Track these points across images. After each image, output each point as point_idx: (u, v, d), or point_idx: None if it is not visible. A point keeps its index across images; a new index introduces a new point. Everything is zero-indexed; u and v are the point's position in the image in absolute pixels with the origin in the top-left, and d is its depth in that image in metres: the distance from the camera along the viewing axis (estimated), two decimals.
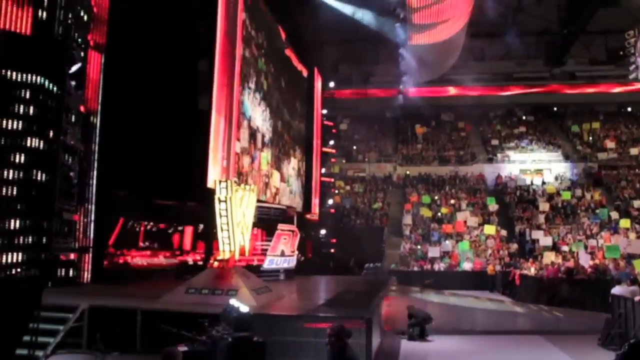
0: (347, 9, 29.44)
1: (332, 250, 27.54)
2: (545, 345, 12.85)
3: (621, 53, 30.87)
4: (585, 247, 25.44)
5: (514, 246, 27.69)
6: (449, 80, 41.31)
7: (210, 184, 15.42)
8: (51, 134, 11.72)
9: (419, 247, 28.07)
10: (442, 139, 43.44)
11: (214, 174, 16.31)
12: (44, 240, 11.31)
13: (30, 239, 10.93)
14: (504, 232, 29.07)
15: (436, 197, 34.13)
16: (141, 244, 17.15)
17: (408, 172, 38.56)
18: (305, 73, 27.67)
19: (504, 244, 28.02)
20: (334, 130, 31.65)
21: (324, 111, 30.08)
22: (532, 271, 22.16)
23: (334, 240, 27.80)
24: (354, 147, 41.63)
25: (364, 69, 38.11)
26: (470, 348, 12.52)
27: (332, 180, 32.64)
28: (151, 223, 17.68)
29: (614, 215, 29.26)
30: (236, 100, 18.21)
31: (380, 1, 26.78)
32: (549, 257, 23.57)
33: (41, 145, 11.38)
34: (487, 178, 37.47)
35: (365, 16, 29.27)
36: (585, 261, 20.93)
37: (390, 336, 13.44)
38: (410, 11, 23.64)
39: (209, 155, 16.41)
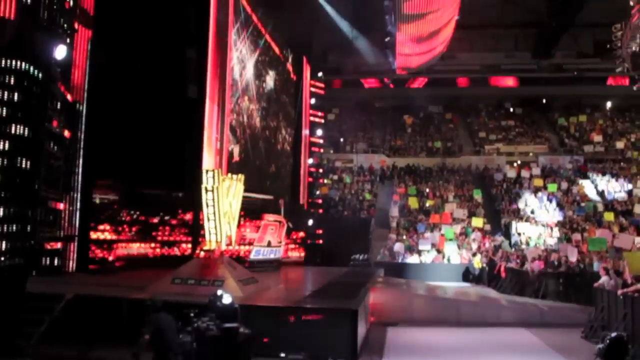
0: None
1: (320, 241, 27.49)
2: (530, 338, 12.96)
3: (608, 46, 30.93)
4: (570, 240, 25.65)
5: (500, 239, 27.82)
6: (437, 71, 41.23)
7: None
8: (36, 121, 11.59)
9: (404, 237, 28.11)
10: (430, 130, 43.50)
11: (208, 163, 16.23)
12: (29, 228, 11.22)
13: (14, 227, 10.84)
14: (489, 226, 29.18)
15: (423, 189, 34.20)
16: (127, 234, 17.02)
17: (395, 163, 38.60)
18: (292, 62, 27.54)
19: (489, 236, 28.16)
20: (321, 121, 31.48)
21: (313, 101, 29.94)
22: (518, 264, 22.30)
23: (321, 231, 27.74)
24: (341, 139, 41.60)
25: (354, 58, 37.95)
26: (456, 340, 12.60)
27: (320, 170, 32.56)
28: (137, 212, 17.53)
29: (600, 208, 29.58)
30: (228, 88, 18.08)
31: None
32: (535, 250, 23.73)
33: (26, 132, 11.26)
34: (474, 170, 37.62)
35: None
36: (571, 254, 21.08)
37: (376, 327, 13.49)
38: (400, 0, 23.50)
39: (203, 144, 16.33)
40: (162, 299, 7.51)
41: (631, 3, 24.24)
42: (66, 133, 13.72)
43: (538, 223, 28.63)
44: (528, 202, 31.00)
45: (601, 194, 32.25)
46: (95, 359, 8.80)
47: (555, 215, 29.47)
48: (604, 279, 13.93)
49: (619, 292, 12.21)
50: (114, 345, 9.07)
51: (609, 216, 27.66)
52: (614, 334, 4.47)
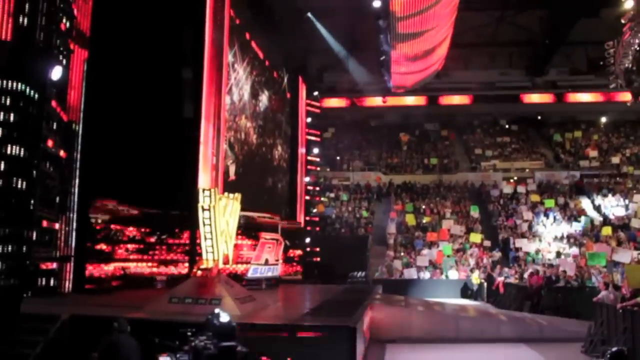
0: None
1: (317, 259, 27.38)
2: (529, 353, 12.87)
3: (601, 63, 31.19)
4: (568, 255, 25.64)
5: (498, 254, 27.80)
6: (433, 89, 41.47)
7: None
8: (31, 141, 11.57)
9: (402, 253, 28.06)
10: (426, 147, 43.64)
11: (204, 181, 16.28)
12: (24, 249, 11.14)
13: (9, 248, 10.76)
14: (487, 242, 29.14)
15: (420, 206, 34.22)
16: (124, 253, 16.93)
17: (392, 180, 38.64)
18: (287, 82, 27.69)
19: (487, 252, 28.12)
20: (317, 139, 31.53)
21: (309, 119, 30.02)
22: (516, 279, 22.27)
23: (318, 249, 27.63)
24: (337, 157, 41.70)
25: (349, 77, 38.23)
26: (456, 357, 12.50)
27: (317, 188, 32.55)
28: (134, 231, 17.46)
29: (597, 222, 29.61)
30: (223, 108, 18.19)
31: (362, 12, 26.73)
32: (533, 265, 23.73)
33: (21, 153, 11.23)
34: (470, 186, 37.66)
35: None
36: (569, 269, 21.06)
37: (375, 344, 13.39)
38: (394, 20, 23.69)
39: (199, 163, 16.39)
40: (149, 318, 7.44)
41: (622, 21, 24.53)
42: (62, 153, 13.68)
43: (536, 238, 28.63)
44: (525, 217, 31.01)
45: (598, 208, 32.30)
46: None
47: (553, 231, 29.48)
48: (603, 293, 13.91)
49: (618, 306, 12.16)
50: None
51: (606, 230, 27.66)
52: (614, 349, 4.46)
